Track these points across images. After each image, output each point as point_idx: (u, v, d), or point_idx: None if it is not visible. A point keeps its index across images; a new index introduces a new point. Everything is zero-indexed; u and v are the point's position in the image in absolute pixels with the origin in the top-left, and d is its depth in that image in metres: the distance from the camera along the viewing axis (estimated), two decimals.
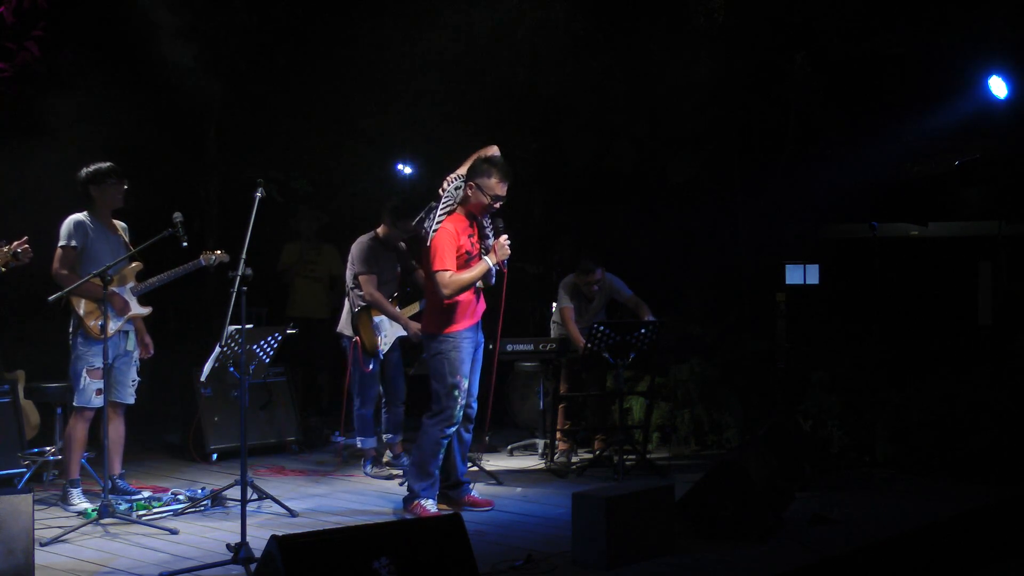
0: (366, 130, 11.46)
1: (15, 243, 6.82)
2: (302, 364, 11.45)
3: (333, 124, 11.55)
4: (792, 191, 10.40)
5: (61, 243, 7.77)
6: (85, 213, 7.89)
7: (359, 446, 9.24)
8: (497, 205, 7.45)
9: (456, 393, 7.40)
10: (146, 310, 8.07)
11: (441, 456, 7.48)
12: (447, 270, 7.28)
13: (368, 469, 9.15)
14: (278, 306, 11.43)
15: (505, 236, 7.46)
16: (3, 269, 6.86)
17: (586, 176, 11.51)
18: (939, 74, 9.97)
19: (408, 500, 7.51)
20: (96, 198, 7.92)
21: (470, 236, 7.47)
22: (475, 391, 7.71)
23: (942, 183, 10.39)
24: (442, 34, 11.28)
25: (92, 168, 7.93)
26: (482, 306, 7.70)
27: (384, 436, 9.28)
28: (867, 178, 10.27)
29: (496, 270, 7.44)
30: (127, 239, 8.06)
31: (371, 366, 8.99)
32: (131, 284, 8.01)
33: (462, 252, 7.38)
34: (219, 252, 8.18)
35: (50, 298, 7.29)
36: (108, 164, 7.97)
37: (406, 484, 7.68)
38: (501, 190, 7.39)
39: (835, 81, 10.44)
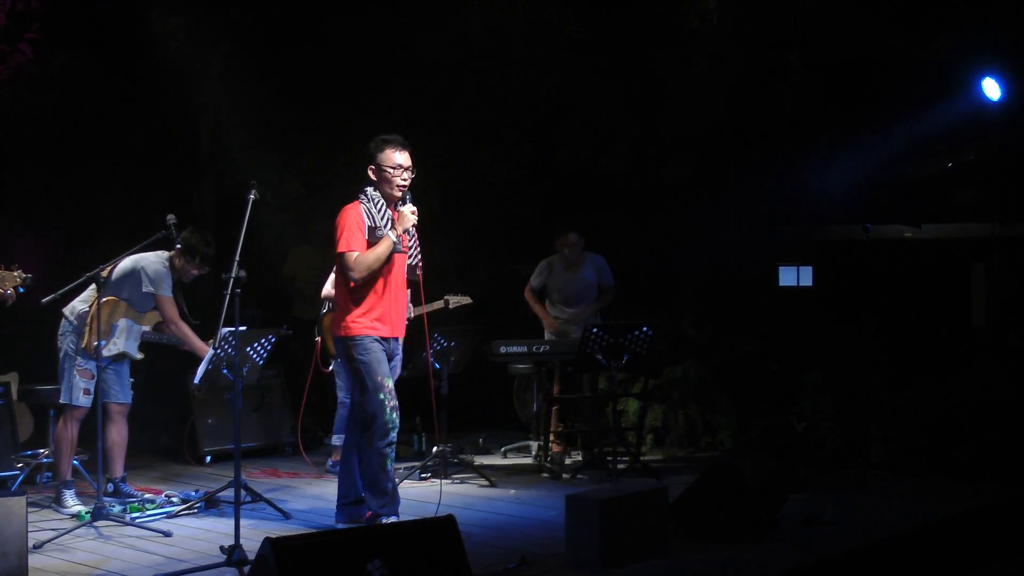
0: (359, 131, 11.44)
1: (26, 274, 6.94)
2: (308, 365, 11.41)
3: (326, 126, 11.53)
4: (786, 193, 10.39)
5: (165, 293, 7.92)
6: (167, 263, 8.02)
7: (333, 443, 9.22)
8: (405, 177, 7.09)
9: (381, 396, 6.95)
10: (139, 356, 8.20)
11: (391, 469, 7.07)
12: (353, 251, 6.96)
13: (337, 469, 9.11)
14: (281, 306, 11.38)
15: (409, 206, 7.06)
16: (12, 293, 6.94)
17: (580, 178, 11.50)
18: (933, 76, 9.94)
19: (370, 521, 7.11)
20: (179, 262, 8.01)
21: (384, 215, 7.08)
22: None
23: (936, 185, 10.38)
24: (435, 35, 11.27)
25: (201, 240, 8.01)
26: (401, 319, 7.27)
27: (333, 438, 9.22)
28: (861, 180, 10.26)
29: (397, 242, 7.00)
30: None
31: (331, 367, 8.99)
32: (146, 329, 8.18)
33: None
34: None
35: (43, 300, 7.30)
36: (210, 250, 8.06)
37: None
38: (397, 157, 7.07)
39: (829, 83, 10.43)
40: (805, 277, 10.46)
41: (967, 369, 9.40)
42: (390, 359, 7.19)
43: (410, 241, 7.20)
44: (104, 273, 7.50)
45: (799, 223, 10.60)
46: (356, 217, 7.04)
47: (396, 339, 7.25)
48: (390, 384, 7.05)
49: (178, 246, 7.91)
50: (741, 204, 10.56)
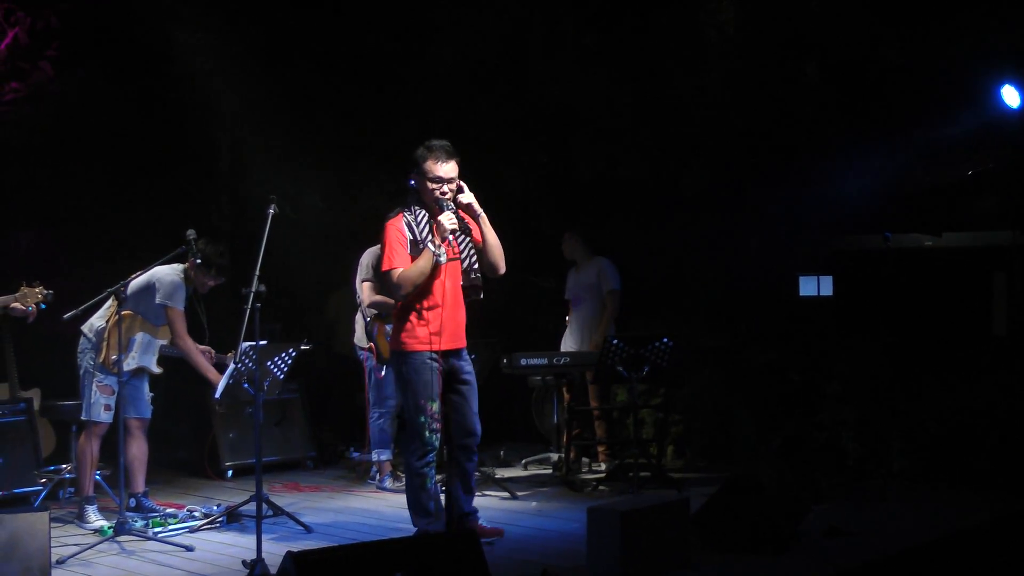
0: (375, 143, 11.45)
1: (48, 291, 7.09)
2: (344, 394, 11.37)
3: (343, 138, 11.54)
4: (804, 202, 10.35)
5: (176, 306, 7.90)
6: (182, 275, 8.01)
7: (374, 459, 9.23)
8: (445, 189, 6.92)
9: (422, 419, 6.88)
10: (158, 370, 8.22)
11: (431, 487, 7.00)
12: (396, 268, 6.88)
13: (387, 483, 9.14)
14: (294, 323, 11.41)
15: (446, 213, 6.86)
16: (34, 309, 7.04)
17: (596, 188, 11.49)
18: (951, 83, 9.85)
19: None
20: (196, 274, 8.01)
21: (424, 227, 6.96)
22: (472, 423, 7.14)
23: (955, 193, 10.31)
24: (450, 46, 11.27)
25: (215, 251, 8.02)
26: (460, 328, 7.12)
27: (373, 453, 9.25)
28: (880, 188, 10.20)
29: (439, 254, 6.86)
30: None
31: (383, 371, 8.99)
32: (163, 342, 8.17)
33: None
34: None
35: (65, 316, 7.34)
36: (224, 260, 8.08)
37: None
38: (437, 169, 6.88)
39: (846, 91, 10.39)
40: (825, 287, 10.40)
41: (989, 378, 9.30)
42: (454, 375, 7.06)
43: (461, 245, 7.05)
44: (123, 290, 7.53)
45: (818, 232, 10.55)
46: (396, 232, 6.93)
47: (459, 350, 7.11)
48: (433, 407, 6.90)
49: (198, 262, 7.92)
50: (759, 213, 10.51)
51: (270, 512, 7.79)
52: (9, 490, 8.43)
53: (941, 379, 9.43)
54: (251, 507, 7.13)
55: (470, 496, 7.27)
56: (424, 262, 6.85)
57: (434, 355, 6.93)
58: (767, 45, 10.56)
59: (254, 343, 6.92)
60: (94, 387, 7.83)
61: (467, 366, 7.16)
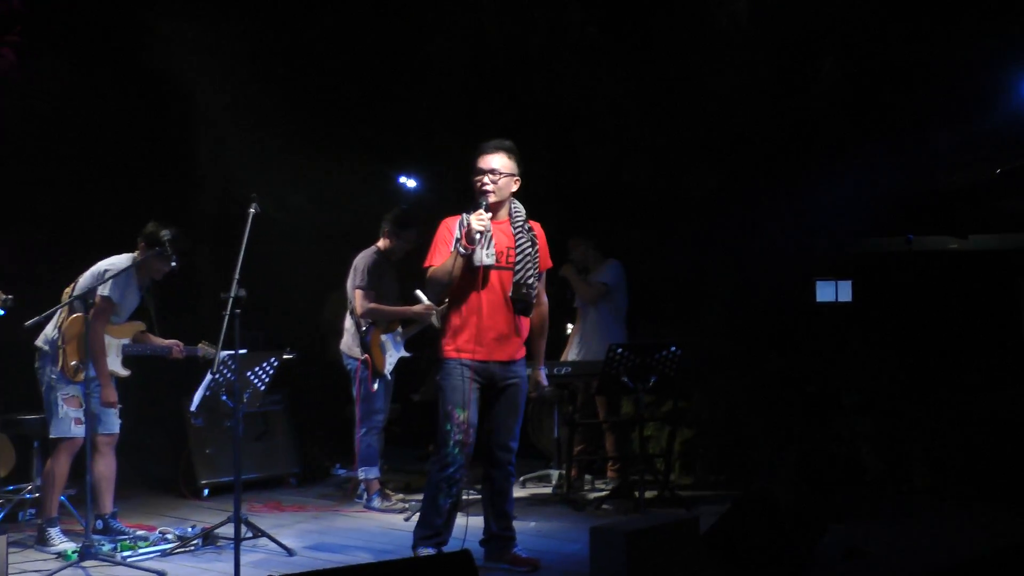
0: (368, 141, 11.20)
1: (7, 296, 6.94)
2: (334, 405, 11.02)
3: (333, 135, 11.26)
4: (822, 203, 10.22)
5: (104, 292, 7.46)
6: (131, 263, 7.60)
7: (361, 477, 8.95)
8: (485, 180, 6.78)
9: (448, 427, 6.72)
10: (125, 372, 7.82)
11: (445, 503, 6.78)
12: (430, 266, 6.82)
13: (375, 503, 8.86)
14: (285, 329, 11.08)
15: (479, 212, 6.70)
16: None
17: (602, 189, 11.28)
18: (975, 80, 9.83)
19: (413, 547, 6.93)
20: (147, 259, 7.59)
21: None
22: (506, 437, 6.90)
23: (981, 193, 10.23)
24: (450, 41, 11.04)
25: (168, 232, 7.59)
26: (503, 340, 6.84)
27: (359, 471, 8.98)
28: (902, 189, 10.11)
29: (466, 253, 6.65)
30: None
31: (376, 385, 8.74)
32: (125, 341, 7.82)
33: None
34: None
35: (26, 323, 7.05)
36: (177, 243, 7.63)
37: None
38: (480, 162, 6.82)
39: (865, 88, 10.20)
40: (844, 292, 10.29)
41: (1017, 388, 9.17)
42: (494, 387, 6.85)
43: (518, 256, 6.86)
44: (69, 291, 7.33)
45: (837, 235, 10.41)
46: (445, 230, 6.86)
47: (502, 362, 6.85)
48: (461, 416, 6.72)
49: (163, 250, 7.50)
50: (773, 215, 10.35)
51: (249, 534, 7.52)
52: None
53: (966, 389, 9.34)
54: (229, 528, 6.88)
55: (503, 519, 7.00)
56: (449, 263, 6.71)
57: (466, 363, 6.77)
58: (781, 39, 10.36)
59: (233, 352, 6.70)
60: (60, 401, 7.45)
61: (512, 378, 6.93)
